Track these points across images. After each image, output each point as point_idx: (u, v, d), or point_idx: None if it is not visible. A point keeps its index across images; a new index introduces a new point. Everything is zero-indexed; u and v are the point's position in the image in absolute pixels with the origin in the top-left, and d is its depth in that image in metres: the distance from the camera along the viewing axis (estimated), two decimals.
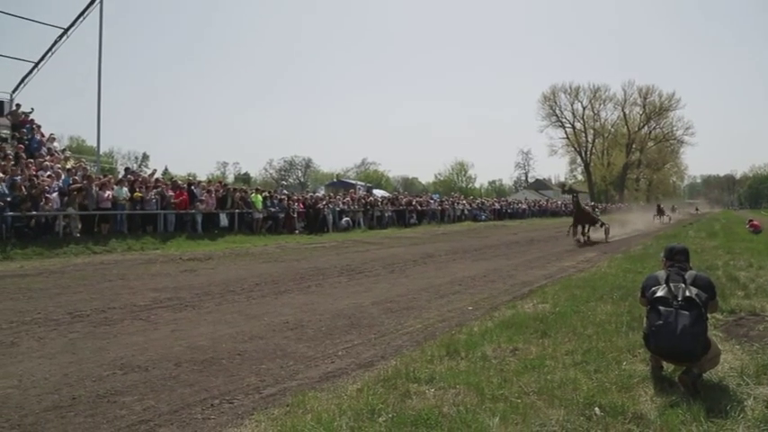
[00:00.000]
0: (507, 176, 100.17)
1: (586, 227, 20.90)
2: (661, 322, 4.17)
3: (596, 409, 3.80)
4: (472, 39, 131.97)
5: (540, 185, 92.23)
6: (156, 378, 4.85)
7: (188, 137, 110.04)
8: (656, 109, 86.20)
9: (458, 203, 37.73)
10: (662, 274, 4.49)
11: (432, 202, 35.58)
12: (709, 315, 4.40)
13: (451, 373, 4.60)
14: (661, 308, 4.22)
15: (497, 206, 43.65)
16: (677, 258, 4.61)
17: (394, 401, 3.98)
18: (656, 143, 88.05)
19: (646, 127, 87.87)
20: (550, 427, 3.56)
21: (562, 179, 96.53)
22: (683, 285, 4.26)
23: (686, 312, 4.12)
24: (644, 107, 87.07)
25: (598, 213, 25.50)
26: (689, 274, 4.38)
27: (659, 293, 4.30)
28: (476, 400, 4.02)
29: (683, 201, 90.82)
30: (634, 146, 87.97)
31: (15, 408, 4.15)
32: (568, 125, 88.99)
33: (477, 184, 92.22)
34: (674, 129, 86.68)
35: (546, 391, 4.16)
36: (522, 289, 9.65)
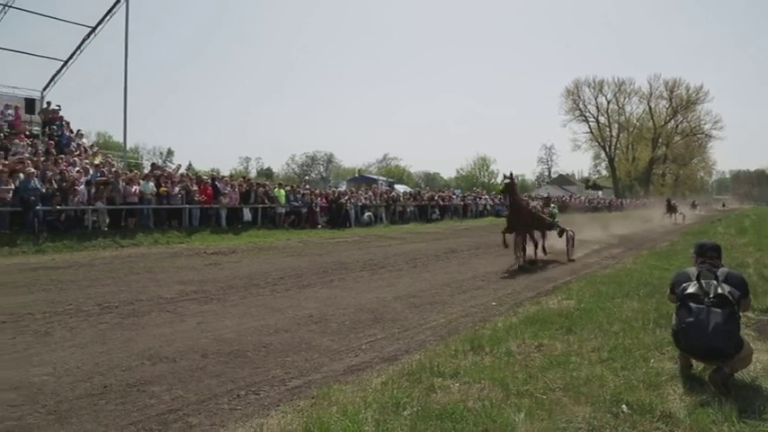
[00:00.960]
0: (530, 171, 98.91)
1: (535, 235, 13.39)
2: (692, 319, 4.10)
3: (623, 406, 3.76)
4: (492, 34, 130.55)
5: (564, 181, 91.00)
6: (184, 369, 4.94)
7: (211, 132, 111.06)
8: (683, 102, 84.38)
9: (480, 198, 37.51)
10: (693, 270, 4.41)
11: (454, 197, 35.42)
12: (741, 313, 4.31)
13: (476, 368, 4.60)
14: (692, 305, 4.15)
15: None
16: (708, 255, 4.52)
17: (419, 395, 4.00)
18: (683, 137, 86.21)
19: (672, 121, 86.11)
20: (577, 424, 3.53)
21: (585, 174, 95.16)
22: (715, 282, 4.18)
23: (718, 310, 4.04)
24: (670, 101, 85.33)
25: (555, 211, 15.07)
26: (721, 271, 4.29)
27: (690, 290, 4.23)
28: (501, 395, 4.02)
29: (711, 197, 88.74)
30: (660, 140, 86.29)
31: (51, 394, 4.28)
32: (592, 119, 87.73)
33: (499, 179, 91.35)
34: (702, 123, 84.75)
35: (572, 387, 4.14)
36: (545, 285, 9.59)
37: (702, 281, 4.23)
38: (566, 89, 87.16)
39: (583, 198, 59.37)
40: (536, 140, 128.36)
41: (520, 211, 12.77)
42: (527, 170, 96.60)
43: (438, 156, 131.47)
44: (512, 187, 12.85)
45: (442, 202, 31.82)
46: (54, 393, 4.31)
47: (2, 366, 4.96)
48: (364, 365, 5.05)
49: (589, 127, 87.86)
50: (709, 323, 4.02)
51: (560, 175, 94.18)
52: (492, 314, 7.22)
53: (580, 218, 27.46)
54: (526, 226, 12.82)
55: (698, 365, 4.43)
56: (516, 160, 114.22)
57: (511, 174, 12.60)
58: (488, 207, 36.64)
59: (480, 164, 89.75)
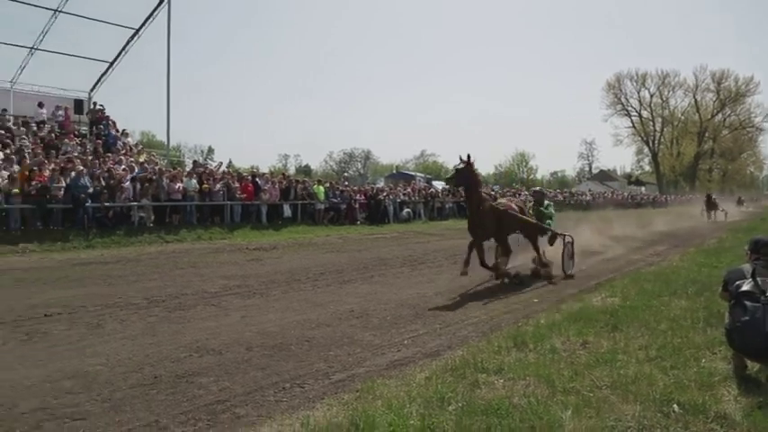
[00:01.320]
0: (570, 167, 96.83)
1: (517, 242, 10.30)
2: (747, 318, 3.96)
3: (675, 406, 3.67)
4: (524, 29, 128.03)
5: (605, 176, 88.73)
6: (230, 361, 5.05)
7: (250, 130, 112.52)
8: (732, 95, 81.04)
9: (519, 195, 37.03)
10: (747, 267, 4.26)
11: (492, 193, 35.04)
12: None
13: (520, 365, 4.56)
14: (747, 303, 4.01)
15: (560, 197, 42.57)
16: (764, 251, 4.37)
17: (463, 390, 3.99)
18: (732, 131, 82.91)
19: (720, 114, 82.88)
20: (626, 423, 3.47)
21: (628, 170, 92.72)
22: None
23: None
24: (718, 93, 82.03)
25: (550, 211, 11.06)
26: None
27: (745, 287, 4.08)
28: (547, 392, 3.98)
29: (762, 192, 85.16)
30: (706, 134, 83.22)
31: (105, 384, 4.45)
32: (635, 114, 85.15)
33: (538, 175, 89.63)
34: (752, 115, 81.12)
35: (619, 385, 4.07)
36: (588, 282, 9.41)
37: (758, 278, 4.08)
38: (606, 83, 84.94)
39: (625, 194, 57.88)
40: (577, 135, 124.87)
41: (483, 210, 9.10)
42: (567, 166, 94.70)
43: (476, 151, 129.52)
44: (465, 176, 8.94)
45: None
46: (108, 382, 4.47)
47: (59, 356, 5.17)
48: (407, 360, 5.06)
49: (631, 121, 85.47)
50: (766, 322, 3.87)
51: (601, 171, 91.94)
52: (534, 311, 7.14)
53: (619, 214, 26.73)
54: (487, 230, 9.19)
55: (753, 366, 4.27)
56: (555, 156, 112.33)
57: (468, 156, 8.87)
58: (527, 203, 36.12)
59: (519, 160, 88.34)
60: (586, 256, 11.98)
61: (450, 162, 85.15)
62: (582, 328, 5.76)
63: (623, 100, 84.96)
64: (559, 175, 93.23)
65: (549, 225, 10.62)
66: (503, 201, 10.24)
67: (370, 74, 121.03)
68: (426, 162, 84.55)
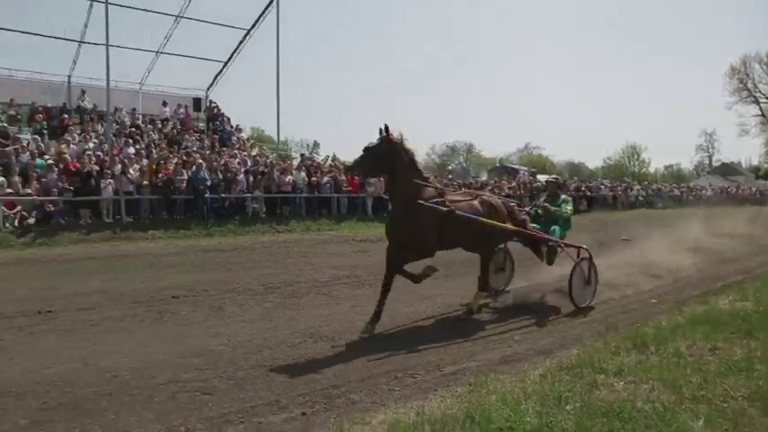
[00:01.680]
0: (687, 160, 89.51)
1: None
2: None
3: None
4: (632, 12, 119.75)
5: (728, 170, 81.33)
6: (343, 348, 5.21)
7: (353, 124, 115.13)
8: None
9: (631, 189, 35.03)
10: None
11: (602, 187, 33.42)
12: None
13: (642, 368, 4.32)
14: None
15: (677, 192, 39.74)
16: None
17: (581, 391, 3.84)
18: None
19: None
20: None
21: (755, 162, 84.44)
22: None
23: None
24: None
25: (567, 209, 7.90)
26: None
27: None
28: (673, 398, 3.74)
29: None
30: None
31: (228, 363, 4.78)
32: (764, 100, 77.21)
33: (651, 169, 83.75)
34: None
35: (758, 397, 3.73)
36: (712, 283, 8.76)
37: None
38: (730, 67, 77.48)
39: (753, 189, 52.91)
40: (695, 126, 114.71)
41: (404, 209, 5.98)
42: (684, 159, 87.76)
43: (582, 144, 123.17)
44: (379, 158, 5.76)
45: (589, 193, 30.15)
46: (231, 362, 4.80)
47: (186, 335, 5.65)
48: (518, 356, 4.99)
49: (760, 109, 77.35)
50: None
51: (723, 164, 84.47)
52: (652, 312, 6.77)
53: (742, 210, 24.35)
54: (419, 241, 6.25)
55: None
56: (670, 148, 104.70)
57: (386, 129, 5.79)
58: (640, 198, 34.10)
59: (629, 152, 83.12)
60: (697, 255, 11.15)
61: (556, 155, 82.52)
62: (709, 332, 5.34)
63: (750, 85, 77.29)
64: (674, 168, 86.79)
65: (554, 232, 7.63)
66: (455, 197, 6.65)
67: (477, 64, 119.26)
68: (530, 155, 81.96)
